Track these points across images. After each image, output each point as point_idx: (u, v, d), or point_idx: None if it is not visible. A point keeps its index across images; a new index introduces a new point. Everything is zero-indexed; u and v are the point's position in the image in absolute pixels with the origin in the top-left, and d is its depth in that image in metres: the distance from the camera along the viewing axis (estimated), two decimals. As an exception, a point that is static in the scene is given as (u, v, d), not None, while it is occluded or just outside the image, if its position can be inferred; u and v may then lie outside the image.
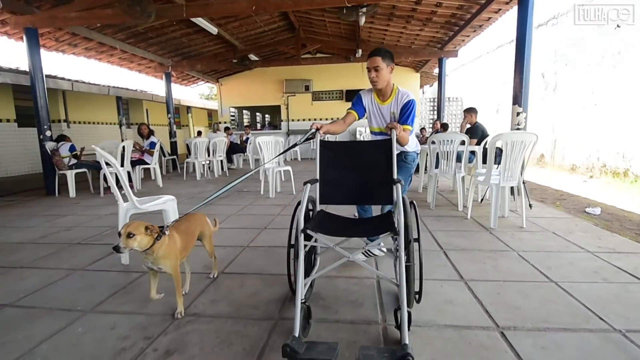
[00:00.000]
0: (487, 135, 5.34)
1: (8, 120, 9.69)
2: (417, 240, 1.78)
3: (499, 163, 3.73)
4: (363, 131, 11.90)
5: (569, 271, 2.43)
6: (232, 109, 14.27)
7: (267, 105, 14.36)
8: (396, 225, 1.74)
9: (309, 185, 1.94)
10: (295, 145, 2.45)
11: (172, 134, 10.42)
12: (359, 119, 2.59)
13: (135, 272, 2.58)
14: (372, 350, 1.45)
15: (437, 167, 4.72)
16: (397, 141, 2.19)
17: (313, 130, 2.21)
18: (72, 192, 5.97)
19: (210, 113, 21.68)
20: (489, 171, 3.64)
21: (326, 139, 2.30)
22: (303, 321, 1.59)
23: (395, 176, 2.08)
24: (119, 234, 1.69)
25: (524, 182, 3.69)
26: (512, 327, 1.76)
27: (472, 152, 4.99)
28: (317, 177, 2.16)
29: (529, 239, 3.14)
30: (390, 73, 2.47)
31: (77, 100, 11.14)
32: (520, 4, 5.01)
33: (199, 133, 13.13)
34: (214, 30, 8.02)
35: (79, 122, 11.59)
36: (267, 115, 21.17)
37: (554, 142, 8.42)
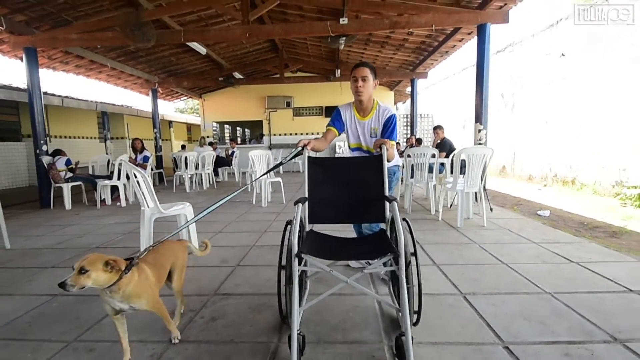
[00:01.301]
0: (454, 149, 6.08)
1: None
2: (415, 257, 1.72)
3: (464, 173, 4.41)
4: (342, 145, 12.60)
5: (517, 256, 3.07)
6: (215, 124, 14.64)
7: (249, 120, 14.87)
8: (395, 246, 1.67)
9: (300, 205, 1.80)
10: (281, 163, 2.32)
11: (157, 148, 10.68)
12: (338, 134, 2.53)
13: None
14: None
15: (412, 177, 5.37)
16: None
17: (300, 147, 2.15)
18: (68, 204, 6.19)
19: (190, 127, 21.87)
20: (456, 179, 4.32)
21: (311, 155, 2.21)
22: (298, 353, 1.48)
23: (387, 193, 2.04)
24: (72, 268, 1.42)
25: (485, 189, 4.38)
26: (472, 293, 2.35)
27: (442, 164, 5.69)
28: (306, 194, 2.05)
29: (488, 235, 3.80)
30: (374, 88, 2.47)
31: (58, 115, 11.20)
32: (479, 35, 5.84)
33: (183, 147, 13.40)
34: (202, 50, 8.50)
35: (60, 137, 11.61)
36: (247, 130, 21.58)
37: (514, 155, 9.39)
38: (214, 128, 14.66)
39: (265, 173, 2.63)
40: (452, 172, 4.86)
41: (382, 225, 2.19)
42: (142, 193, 3.11)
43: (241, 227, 4.45)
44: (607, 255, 3.09)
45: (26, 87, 6.31)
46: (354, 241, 2.22)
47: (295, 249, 1.60)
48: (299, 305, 1.57)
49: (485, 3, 5.51)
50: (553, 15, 7.72)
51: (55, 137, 11.42)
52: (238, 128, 20.37)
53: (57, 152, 6.51)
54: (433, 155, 5.09)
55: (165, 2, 6.20)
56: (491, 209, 5.02)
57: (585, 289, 2.37)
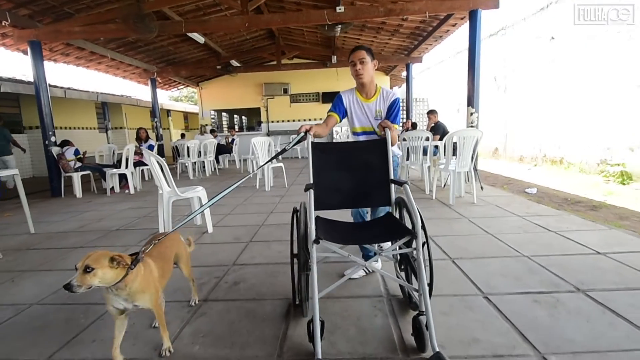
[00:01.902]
0: (447, 132, 6.36)
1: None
2: (426, 237, 1.69)
3: (456, 155, 4.71)
4: (339, 131, 12.83)
5: (502, 228, 3.40)
6: (213, 112, 14.79)
7: (246, 108, 15.02)
8: (410, 227, 1.71)
9: (311, 191, 1.80)
10: (285, 150, 2.31)
11: (158, 137, 10.89)
12: (340, 121, 2.48)
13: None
14: None
15: (407, 159, 5.67)
16: None
17: (302, 132, 2.11)
18: (78, 192, 6.46)
19: (187, 116, 21.94)
20: (448, 161, 4.62)
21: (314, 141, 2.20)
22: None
23: (392, 176, 2.04)
24: (76, 268, 1.35)
25: (475, 169, 4.69)
26: (460, 257, 2.68)
27: (436, 147, 5.98)
28: (311, 181, 2.01)
29: (477, 210, 4.13)
30: (374, 69, 2.42)
31: (57, 106, 11.30)
32: (470, 20, 6.06)
33: (182, 135, 13.60)
34: (201, 39, 8.62)
35: (61, 128, 11.75)
36: (244, 117, 21.69)
37: (506, 136, 9.70)
38: (212, 116, 14.82)
39: (270, 160, 2.57)
40: (445, 154, 5.17)
41: (386, 209, 2.22)
42: (164, 177, 3.39)
43: (248, 209, 4.76)
44: (582, 225, 3.43)
45: (32, 80, 6.48)
46: (364, 226, 2.23)
47: (313, 235, 1.57)
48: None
49: (477, -11, 5.70)
50: (544, 0, 7.90)
51: (56, 128, 11.56)
52: (235, 116, 20.48)
53: (66, 143, 6.73)
54: (427, 139, 5.38)
55: (165, -7, 6.33)
56: (482, 188, 5.35)
57: (559, 252, 2.71)
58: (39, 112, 6.52)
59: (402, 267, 2.10)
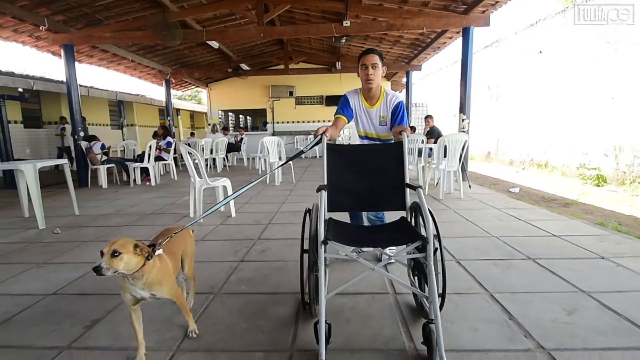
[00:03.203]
0: (441, 136, 7.01)
1: (15, 122, 10.44)
2: (440, 244, 1.66)
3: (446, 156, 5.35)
4: (341, 133, 13.48)
5: (481, 217, 4.04)
6: (220, 112, 15.44)
7: (252, 109, 15.67)
8: (422, 233, 1.67)
9: (323, 192, 1.81)
10: (302, 152, 2.26)
11: (172, 135, 11.50)
12: (348, 122, 2.49)
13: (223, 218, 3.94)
14: None
15: (404, 159, 6.30)
16: None
17: (319, 135, 2.11)
18: (104, 183, 7.09)
19: (193, 115, 22.60)
20: (439, 161, 5.26)
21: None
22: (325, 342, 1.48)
23: (407, 180, 2.01)
24: (102, 253, 1.38)
25: (463, 169, 5.33)
26: (442, 237, 3.31)
27: (430, 149, 6.62)
28: (325, 182, 2.00)
29: (462, 204, 4.77)
30: (383, 75, 2.42)
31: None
32: (464, 36, 6.71)
33: (192, 134, 14.24)
34: (215, 45, 9.28)
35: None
36: (248, 117, 22.34)
37: (497, 141, 10.36)
38: (220, 116, 15.47)
39: (286, 162, 2.57)
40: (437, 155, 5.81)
41: (384, 219, 2.47)
42: (199, 168, 4.03)
43: (262, 199, 5.39)
44: (549, 216, 4.07)
45: (51, 78, 7.11)
46: (374, 229, 2.24)
47: (321, 236, 1.55)
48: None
49: (469, 9, 6.36)
50: (533, 16, 8.56)
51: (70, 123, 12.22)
52: (241, 116, 21.13)
53: (93, 138, 7.36)
54: (422, 141, 6.02)
55: (187, 4, 6.99)
56: (470, 186, 6.00)
57: (522, 235, 3.35)
58: (69, 109, 7.14)
59: (415, 273, 2.04)
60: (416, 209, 1.88)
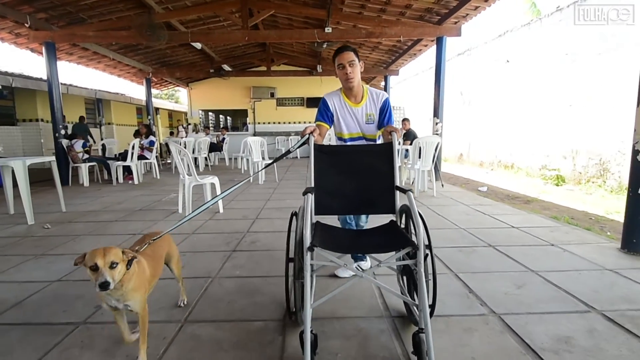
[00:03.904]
0: (416, 138, 7.44)
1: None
2: (430, 250, 1.62)
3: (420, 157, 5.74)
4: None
5: (450, 212, 4.43)
6: (200, 111, 15.43)
7: (233, 109, 15.75)
8: (412, 238, 1.62)
9: (310, 195, 1.72)
10: (289, 152, 2.22)
11: (152, 134, 11.47)
12: (329, 128, 2.43)
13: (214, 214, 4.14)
14: None
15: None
16: None
17: (307, 135, 2.01)
18: (86, 181, 7.09)
19: (171, 114, 22.35)
20: (414, 161, 5.65)
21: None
22: (311, 353, 1.42)
23: (397, 183, 1.96)
24: (92, 268, 1.30)
25: (436, 169, 5.74)
26: (416, 229, 3.68)
27: (407, 150, 7.02)
28: (312, 184, 1.93)
29: (435, 201, 5.17)
30: (361, 70, 2.33)
31: (47, 100, 11.68)
32: (437, 45, 7.16)
33: (172, 133, 14.18)
34: (198, 45, 9.38)
35: (48, 121, 12.11)
36: (229, 118, 22.32)
37: (469, 144, 10.96)
38: (200, 115, 15.46)
39: (273, 162, 2.48)
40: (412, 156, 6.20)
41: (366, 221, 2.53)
42: (187, 165, 4.21)
43: (248, 197, 5.61)
44: (510, 211, 4.51)
45: (46, 77, 7.06)
46: (363, 233, 2.15)
47: (307, 242, 1.49)
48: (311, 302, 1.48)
49: (443, 20, 6.80)
50: (502, 27, 9.16)
51: (45, 121, 11.91)
52: (221, 116, 21.09)
53: (74, 136, 7.34)
54: (399, 143, 6.40)
55: (172, 6, 7.11)
56: (442, 185, 6.43)
57: (486, 227, 3.75)
58: (50, 107, 7.10)
59: (404, 278, 2.00)
60: (406, 212, 1.87)
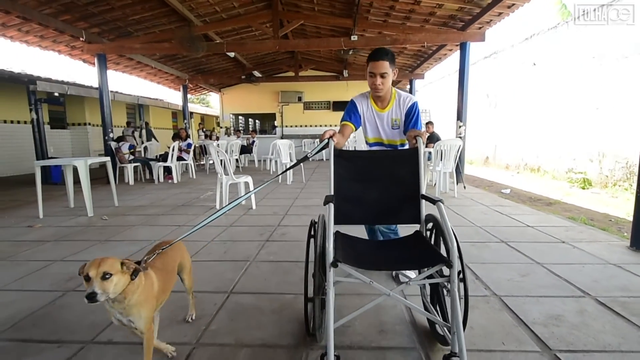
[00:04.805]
0: (439, 140, 7.63)
1: (44, 123, 11.19)
2: (462, 266, 1.45)
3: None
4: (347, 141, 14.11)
5: (469, 212, 4.65)
6: (231, 115, 16.18)
7: (262, 113, 16.40)
8: (445, 254, 1.49)
9: (331, 204, 1.62)
10: (306, 157, 2.17)
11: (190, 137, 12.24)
12: (355, 129, 2.34)
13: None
14: None
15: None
16: None
17: (326, 139, 1.94)
18: (131, 180, 7.78)
19: (203, 118, 23.41)
20: (436, 163, 5.88)
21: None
22: None
23: (423, 191, 1.87)
24: (86, 277, 1.24)
25: (458, 171, 5.94)
26: (433, 226, 3.95)
27: (430, 152, 7.24)
28: (332, 192, 1.84)
29: (455, 201, 5.38)
30: (394, 78, 2.22)
31: (94, 106, 12.68)
32: (461, 50, 7.34)
33: (206, 136, 14.95)
34: (231, 54, 9.99)
35: (98, 125, 13.15)
36: (257, 121, 23.10)
37: (495, 147, 10.94)
38: (231, 119, 16.21)
39: (298, 163, 2.31)
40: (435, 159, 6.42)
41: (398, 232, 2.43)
42: (224, 166, 4.69)
43: (277, 195, 6.04)
44: (529, 212, 4.67)
45: (97, 86, 7.83)
46: (388, 245, 2.04)
47: (330, 256, 1.38)
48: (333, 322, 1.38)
49: (467, 26, 6.99)
50: (528, 31, 9.18)
51: (92, 125, 12.96)
52: (250, 120, 21.88)
53: (121, 139, 8.06)
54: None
55: (209, 18, 7.70)
56: (464, 187, 6.60)
57: (501, 225, 3.96)
58: (101, 112, 7.85)
59: (436, 298, 1.85)
60: (433, 222, 1.78)
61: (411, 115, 2.25)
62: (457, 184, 5.97)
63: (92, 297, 1.19)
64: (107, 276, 1.23)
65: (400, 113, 2.29)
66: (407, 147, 2.23)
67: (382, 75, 2.15)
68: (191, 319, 1.98)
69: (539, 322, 1.94)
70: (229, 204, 1.89)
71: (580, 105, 7.49)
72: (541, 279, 2.51)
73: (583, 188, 7.07)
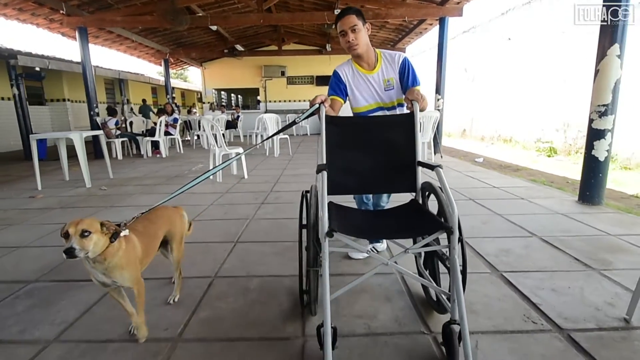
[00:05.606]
0: (419, 114, 8.03)
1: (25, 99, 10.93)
2: (460, 232, 1.38)
3: (420, 129, 6.37)
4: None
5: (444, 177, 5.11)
6: (214, 90, 16.06)
7: (245, 88, 16.35)
8: (444, 220, 1.45)
9: (324, 173, 1.53)
10: (294, 122, 2.03)
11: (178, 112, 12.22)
12: (344, 102, 2.20)
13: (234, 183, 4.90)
14: None
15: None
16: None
17: (317, 104, 1.81)
18: (119, 155, 7.90)
19: (184, 93, 23.02)
20: (415, 134, 6.29)
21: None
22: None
23: (419, 158, 1.82)
24: (65, 235, 1.27)
25: (435, 141, 6.37)
26: (411, 188, 4.39)
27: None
28: (324, 161, 1.73)
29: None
30: (368, 33, 2.10)
31: (73, 81, 12.37)
32: (440, 25, 7.62)
33: (188, 111, 14.89)
34: (213, 27, 9.92)
35: (76, 101, 12.89)
36: (239, 96, 22.91)
37: (472, 119, 11.45)
38: (214, 94, 16.10)
39: (282, 130, 2.19)
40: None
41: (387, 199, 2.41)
42: (216, 137, 4.94)
43: (267, 166, 6.36)
44: (497, 176, 5.18)
45: (80, 60, 7.75)
46: (384, 214, 1.99)
47: (325, 226, 1.34)
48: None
49: (445, 1, 7.24)
50: (505, 6, 9.50)
51: (72, 101, 12.69)
52: (232, 95, 21.68)
53: (113, 112, 8.09)
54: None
55: (193, -9, 7.66)
56: (441, 157, 7.08)
57: (471, 187, 4.44)
58: (85, 87, 7.82)
59: (432, 266, 1.81)
60: (429, 190, 1.75)
61: (405, 72, 2.10)
62: (434, 154, 6.42)
63: (70, 252, 1.21)
64: (85, 234, 1.25)
65: (392, 73, 2.13)
66: (405, 109, 2.13)
67: (353, 30, 2.01)
68: (173, 301, 1.84)
69: (492, 254, 2.40)
70: (221, 164, 1.93)
71: (549, 79, 7.97)
72: (499, 225, 2.98)
73: (549, 156, 7.66)
